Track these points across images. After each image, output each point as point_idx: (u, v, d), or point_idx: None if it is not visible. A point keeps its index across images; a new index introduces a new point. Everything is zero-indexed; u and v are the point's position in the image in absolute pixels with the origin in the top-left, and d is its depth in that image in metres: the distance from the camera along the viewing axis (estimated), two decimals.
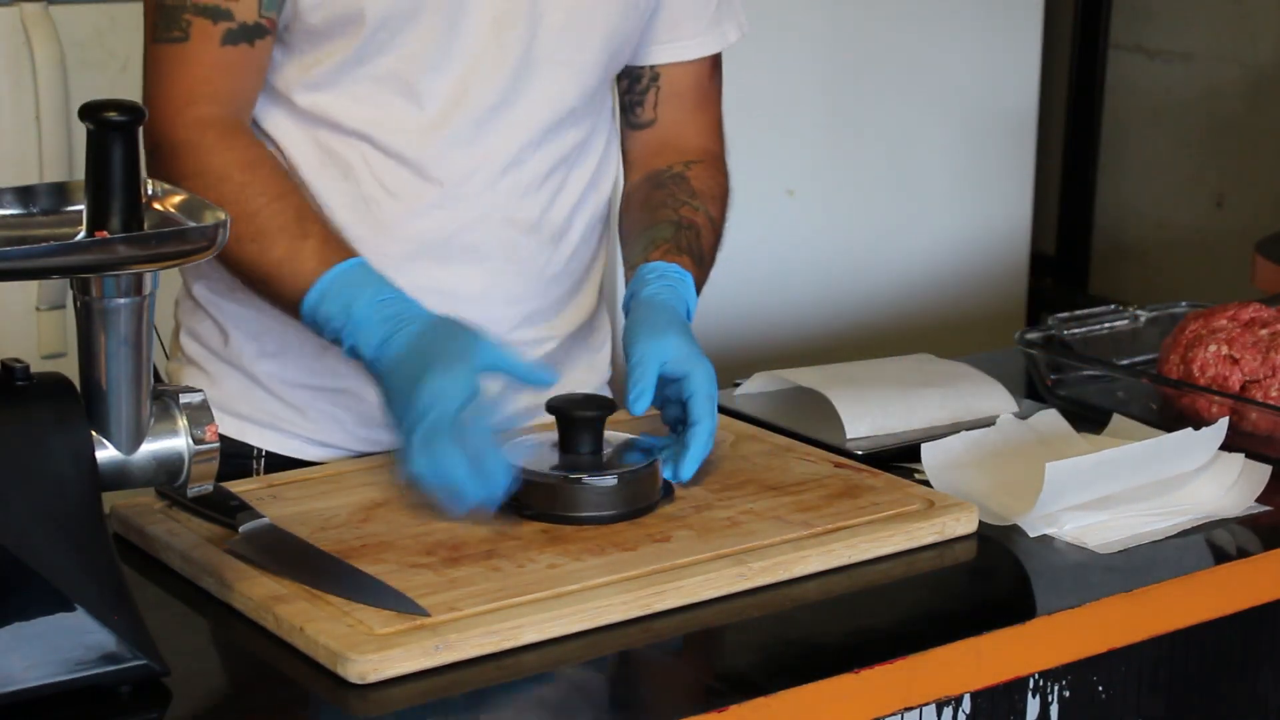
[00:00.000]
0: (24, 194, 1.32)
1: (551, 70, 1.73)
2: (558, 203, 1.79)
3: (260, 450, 1.79)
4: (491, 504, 1.52)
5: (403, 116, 1.70)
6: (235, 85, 1.66)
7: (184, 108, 1.64)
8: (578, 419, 1.61)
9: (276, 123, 1.72)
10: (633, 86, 1.88)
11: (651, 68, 1.86)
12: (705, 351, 1.68)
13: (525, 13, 1.69)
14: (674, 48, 1.85)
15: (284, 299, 1.63)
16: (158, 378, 1.39)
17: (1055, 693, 1.52)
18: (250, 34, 1.65)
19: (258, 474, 1.78)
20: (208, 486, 1.36)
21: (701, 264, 1.78)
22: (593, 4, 1.73)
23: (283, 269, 1.62)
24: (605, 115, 1.85)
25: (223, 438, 1.71)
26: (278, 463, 1.79)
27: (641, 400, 1.63)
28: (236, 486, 1.62)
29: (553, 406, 1.62)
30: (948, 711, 1.45)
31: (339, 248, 1.63)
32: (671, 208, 1.81)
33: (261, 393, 1.79)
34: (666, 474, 1.63)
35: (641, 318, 1.68)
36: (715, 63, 1.89)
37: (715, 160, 1.89)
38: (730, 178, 1.90)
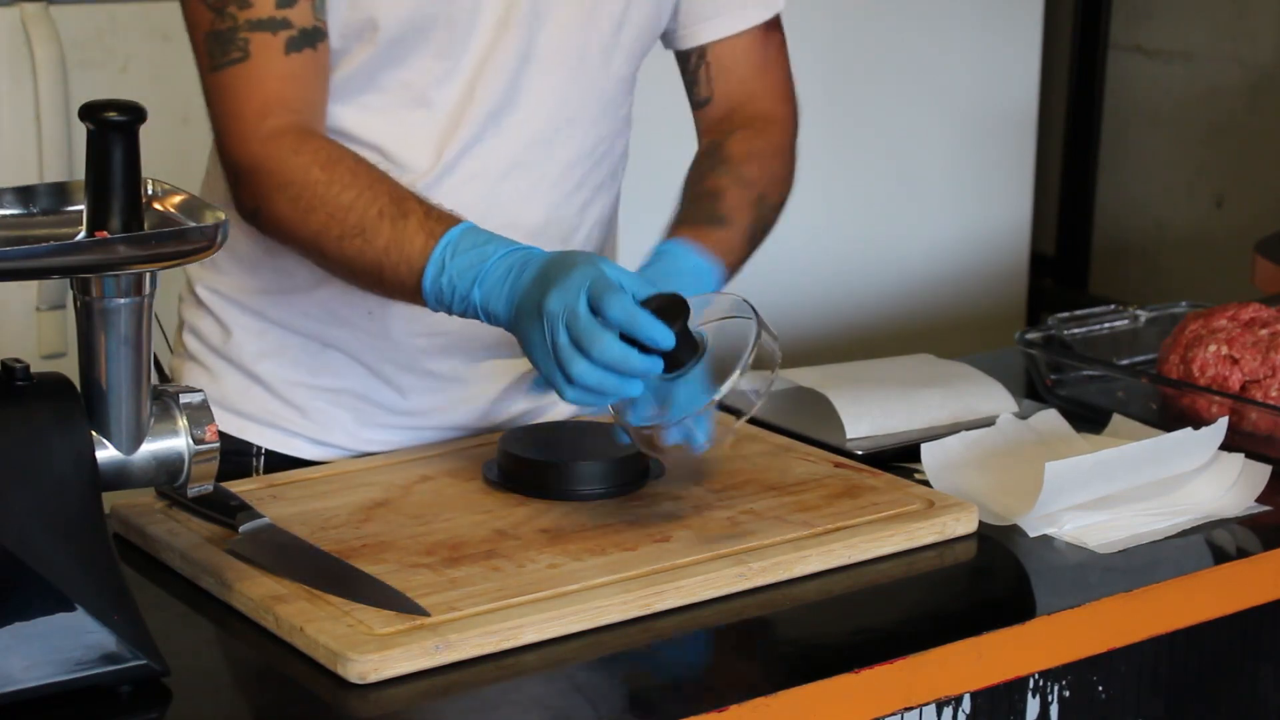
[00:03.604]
0: (24, 194, 1.32)
1: (554, 69, 1.72)
2: (568, 205, 1.78)
3: (260, 449, 1.79)
4: (665, 362, 1.47)
5: (413, 127, 1.69)
6: (304, 93, 1.63)
7: (256, 125, 1.60)
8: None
9: None
10: (685, 68, 1.86)
11: (699, 47, 1.83)
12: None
13: (528, 12, 1.68)
14: (715, 24, 1.82)
15: (401, 284, 1.57)
16: (160, 372, 1.39)
17: (1055, 693, 1.52)
18: (311, 38, 1.62)
19: (258, 472, 1.78)
20: (208, 486, 1.36)
21: (721, 223, 1.73)
22: (595, 1, 1.72)
23: (391, 255, 1.56)
24: (624, 116, 1.83)
25: (223, 435, 1.72)
26: (278, 461, 1.79)
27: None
28: (236, 486, 1.62)
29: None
30: (948, 711, 1.45)
31: (442, 218, 1.57)
32: (694, 183, 1.78)
33: (262, 391, 1.79)
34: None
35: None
36: (769, 26, 1.85)
37: (769, 122, 1.85)
38: (794, 136, 1.88)
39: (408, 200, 1.58)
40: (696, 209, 1.74)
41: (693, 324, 1.48)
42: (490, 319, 1.53)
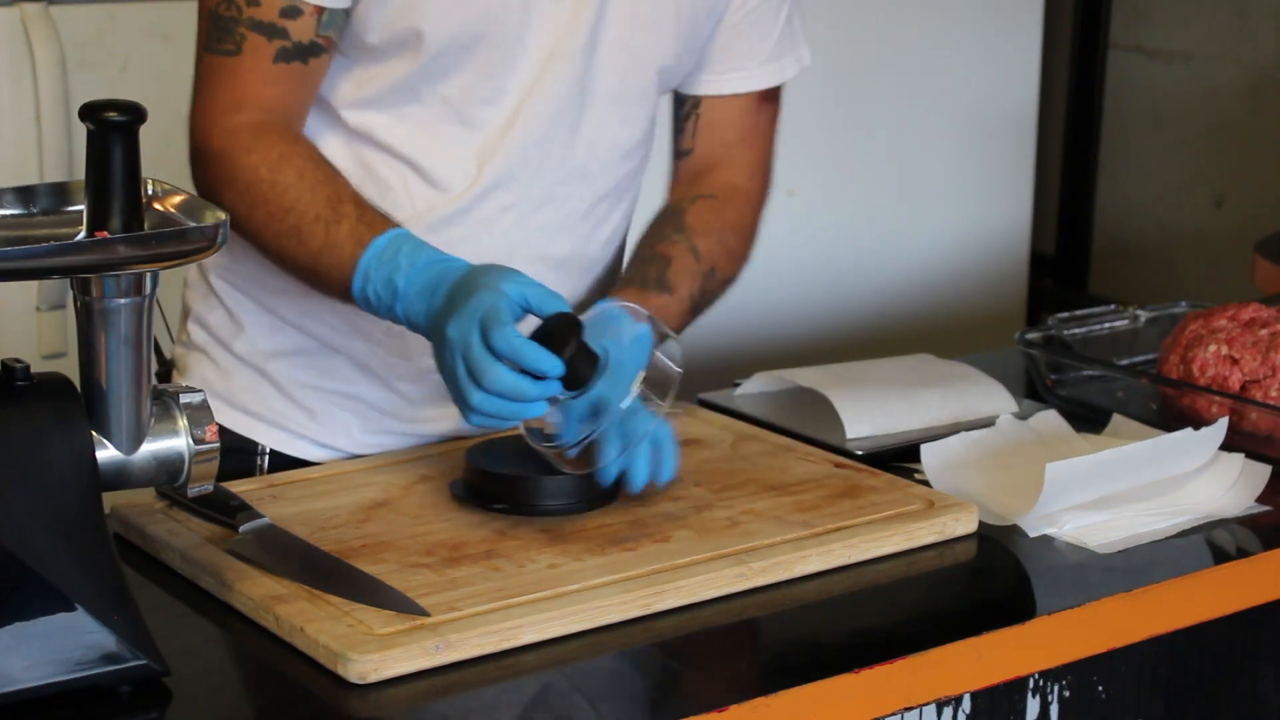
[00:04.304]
0: (24, 194, 1.32)
1: (601, 103, 1.71)
2: (593, 238, 1.78)
3: (265, 448, 1.79)
4: (563, 388, 1.48)
5: (450, 144, 1.69)
6: (282, 98, 1.64)
7: (224, 116, 1.63)
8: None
9: (321, 136, 1.70)
10: (676, 111, 1.86)
11: (694, 96, 1.83)
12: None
13: (581, 45, 1.68)
14: (723, 80, 1.82)
15: (335, 290, 1.60)
16: (160, 356, 1.38)
17: (1055, 693, 1.52)
18: (304, 53, 1.63)
19: (262, 471, 1.78)
20: (208, 486, 1.36)
21: (665, 289, 1.74)
22: (646, 39, 1.71)
23: (323, 260, 1.58)
24: (649, 151, 1.83)
25: (229, 432, 1.72)
26: (282, 462, 1.78)
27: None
28: (237, 486, 1.62)
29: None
30: (948, 711, 1.45)
31: (374, 222, 1.58)
32: (649, 244, 1.78)
33: (272, 390, 1.79)
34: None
35: None
36: (765, 96, 1.85)
37: (737, 197, 1.84)
38: (758, 214, 1.86)
39: (343, 204, 1.59)
40: (644, 271, 1.75)
41: (599, 338, 1.50)
42: (418, 331, 1.55)
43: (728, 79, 1.83)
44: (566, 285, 1.76)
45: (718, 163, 1.85)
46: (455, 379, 1.48)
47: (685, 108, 1.85)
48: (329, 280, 1.60)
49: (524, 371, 1.46)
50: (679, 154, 1.87)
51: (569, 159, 1.72)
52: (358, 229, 1.57)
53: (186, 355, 1.84)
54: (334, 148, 1.70)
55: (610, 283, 1.85)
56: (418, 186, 1.70)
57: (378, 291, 1.55)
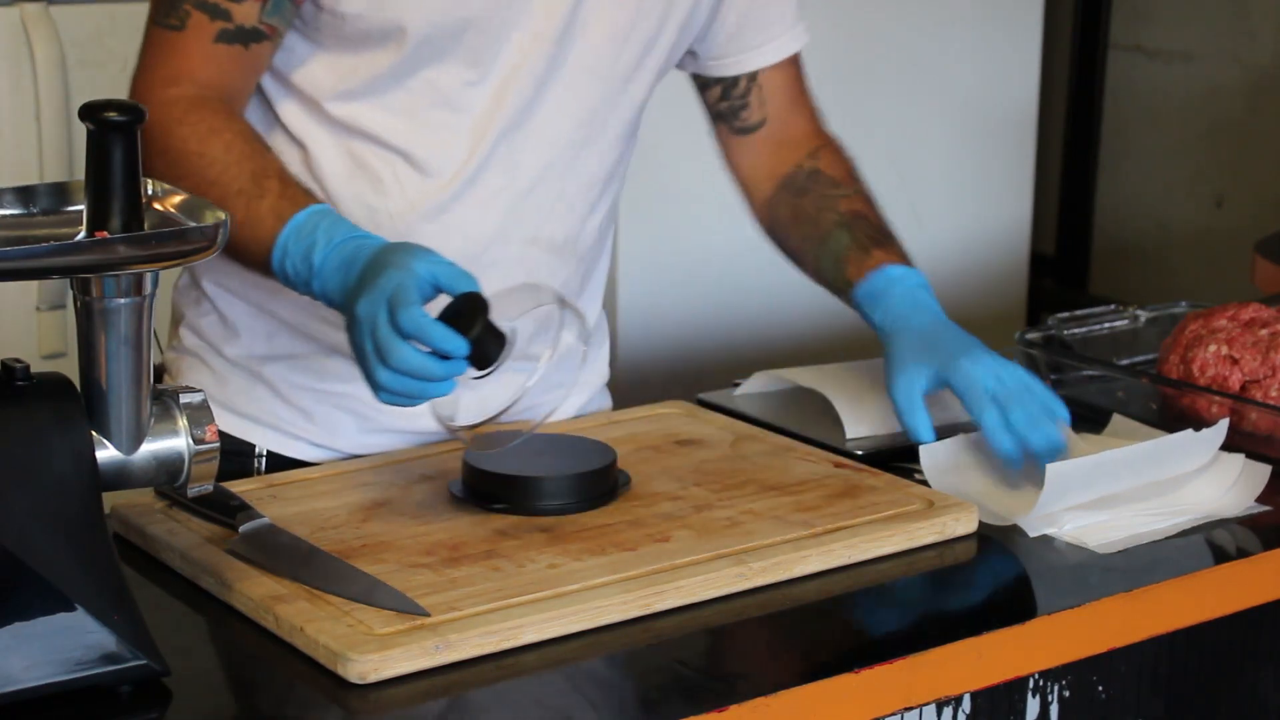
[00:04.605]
0: (24, 194, 1.32)
1: (581, 85, 1.72)
2: (586, 224, 1.79)
3: (263, 449, 1.79)
4: (469, 366, 1.49)
5: (438, 130, 1.69)
6: (221, 78, 1.66)
7: (161, 89, 1.64)
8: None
9: (308, 130, 1.71)
10: (728, 93, 1.89)
11: (749, 74, 1.88)
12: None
13: (565, 24, 1.68)
14: (768, 50, 1.88)
15: (257, 263, 1.61)
16: (157, 372, 1.38)
17: (1055, 693, 1.52)
18: (246, 37, 1.65)
19: (259, 473, 1.78)
20: (208, 486, 1.36)
21: (889, 239, 1.85)
22: (633, 18, 1.72)
23: (244, 234, 1.59)
24: (635, 139, 1.84)
25: (225, 436, 1.72)
26: (279, 463, 1.78)
27: (923, 434, 1.72)
28: (236, 486, 1.62)
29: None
30: (948, 711, 1.45)
31: (296, 198, 1.59)
32: (828, 209, 1.86)
33: (267, 393, 1.79)
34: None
35: (890, 353, 1.77)
36: (798, 55, 1.92)
37: (830, 142, 1.94)
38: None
39: (267, 179, 1.60)
40: (867, 232, 1.85)
41: (505, 318, 1.50)
42: (334, 308, 1.55)
43: (769, 49, 1.88)
44: (561, 271, 1.77)
45: (788, 123, 1.92)
46: (364, 357, 1.49)
47: (741, 85, 1.89)
48: (250, 254, 1.60)
49: (432, 351, 1.47)
50: (747, 130, 1.91)
51: (554, 138, 1.72)
52: (279, 204, 1.58)
53: (178, 360, 1.84)
54: (323, 143, 1.70)
55: (596, 265, 1.86)
56: (408, 175, 1.70)
57: (295, 267, 1.56)
